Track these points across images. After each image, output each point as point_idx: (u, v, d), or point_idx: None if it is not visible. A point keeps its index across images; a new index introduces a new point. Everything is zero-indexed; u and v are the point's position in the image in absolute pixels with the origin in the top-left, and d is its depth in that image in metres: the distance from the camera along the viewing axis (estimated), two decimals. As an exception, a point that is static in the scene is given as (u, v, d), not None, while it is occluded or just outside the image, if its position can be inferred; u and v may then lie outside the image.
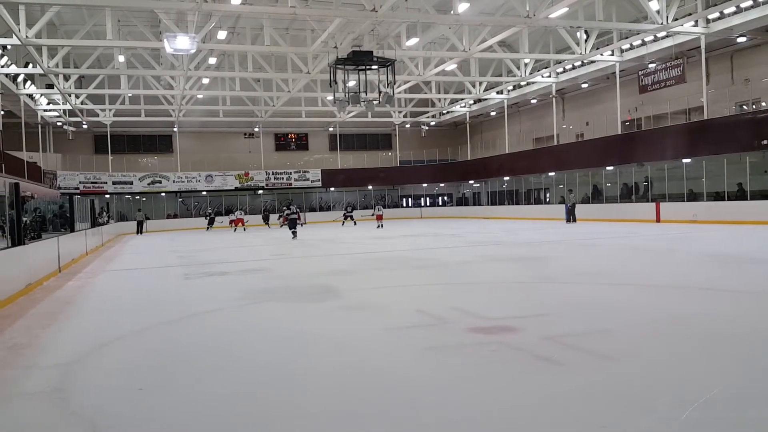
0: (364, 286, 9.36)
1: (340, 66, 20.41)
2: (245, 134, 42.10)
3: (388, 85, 21.32)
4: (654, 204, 24.49)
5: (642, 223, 23.27)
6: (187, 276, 11.78)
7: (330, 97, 27.15)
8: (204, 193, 39.50)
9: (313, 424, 3.56)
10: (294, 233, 22.71)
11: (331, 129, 42.94)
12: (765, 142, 19.92)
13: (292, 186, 40.64)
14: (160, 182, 38.00)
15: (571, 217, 26.61)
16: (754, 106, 22.59)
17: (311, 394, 4.13)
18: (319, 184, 41.06)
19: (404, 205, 44.65)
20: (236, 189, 39.57)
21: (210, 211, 35.55)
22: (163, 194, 38.82)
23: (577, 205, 27.20)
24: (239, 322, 6.98)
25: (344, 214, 32.93)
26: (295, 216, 23.43)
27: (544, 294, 8.19)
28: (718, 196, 22.38)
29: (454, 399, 3.90)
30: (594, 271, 10.29)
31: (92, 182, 36.36)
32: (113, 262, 15.98)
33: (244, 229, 31.21)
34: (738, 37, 22.52)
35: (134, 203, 39.17)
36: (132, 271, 13.85)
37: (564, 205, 27.81)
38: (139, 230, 32.76)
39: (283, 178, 40.32)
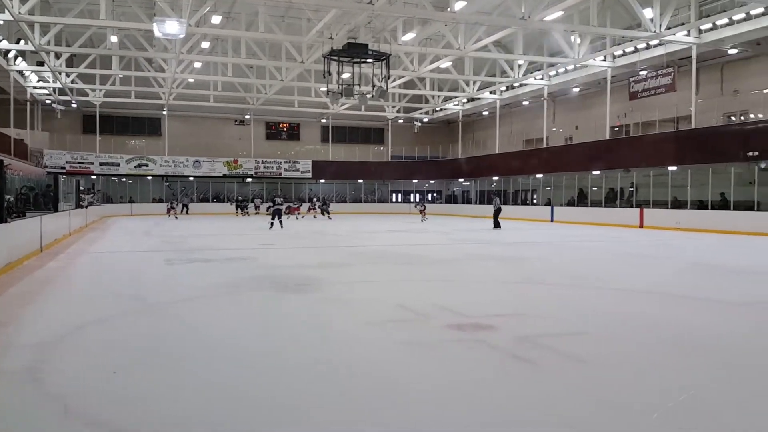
0: (348, 279, 9.39)
1: (334, 57, 20.35)
2: (236, 121, 41.90)
3: (382, 79, 21.30)
4: (638, 210, 24.71)
5: (625, 228, 23.46)
6: (170, 261, 11.75)
7: (323, 88, 27.09)
8: (191, 178, 39.32)
9: (288, 412, 3.60)
10: (271, 224, 22.29)
11: (323, 120, 42.84)
12: (751, 153, 20.15)
13: (282, 176, 40.54)
14: (146, 165, 37.77)
15: (496, 221, 23.91)
16: (742, 118, 22.83)
17: (288, 382, 4.16)
18: (309, 175, 40.98)
19: (394, 200, 44.68)
20: (224, 176, 39.43)
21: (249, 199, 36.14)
22: (149, 178, 38.59)
23: (501, 209, 24.92)
24: (218, 309, 6.99)
25: (320, 207, 32.47)
26: (281, 208, 23.06)
27: (524, 294, 8.28)
28: (701, 205, 22.61)
29: (426, 394, 3.95)
30: (575, 274, 10.39)
31: (79, 162, 36.05)
32: (96, 244, 15.89)
33: (297, 218, 31.00)
34: (729, 48, 22.72)
35: (120, 185, 38.95)
36: (115, 253, 13.79)
37: (551, 207, 27.86)
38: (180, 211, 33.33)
39: (272, 168, 40.21)
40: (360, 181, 43.05)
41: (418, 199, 39.27)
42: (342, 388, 4.08)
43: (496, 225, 23.73)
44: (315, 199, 35.02)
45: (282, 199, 24.31)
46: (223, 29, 24.44)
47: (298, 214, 31.74)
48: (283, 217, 23.32)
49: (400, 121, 43.39)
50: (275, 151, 41.90)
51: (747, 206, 20.87)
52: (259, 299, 7.64)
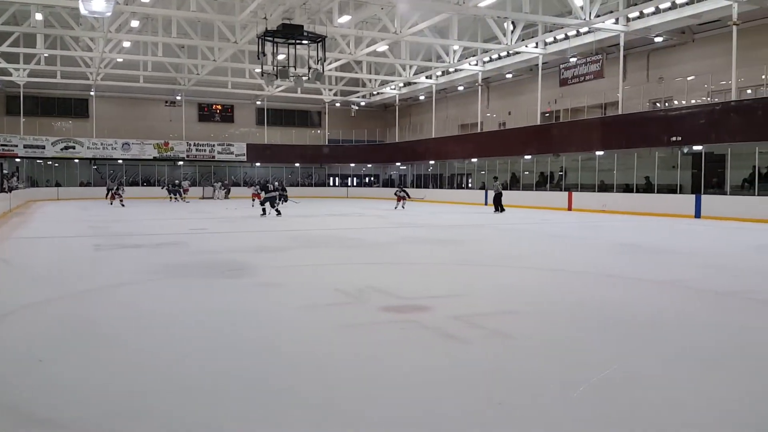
0: (283, 264, 9.34)
1: (269, 38, 20.01)
2: (166, 102, 40.63)
3: (318, 61, 21.12)
4: (567, 193, 25.56)
5: (555, 211, 24.25)
6: (99, 247, 11.36)
7: (258, 70, 26.61)
8: (120, 161, 37.96)
9: (219, 399, 3.57)
10: (263, 210, 20.06)
11: (258, 102, 42.12)
12: (674, 138, 21.15)
13: (215, 159, 39.70)
14: (74, 148, 36.23)
15: (499, 206, 23.46)
16: (666, 104, 23.89)
17: (218, 366, 4.13)
18: (244, 158, 40.29)
19: (331, 184, 44.53)
20: (155, 159, 38.28)
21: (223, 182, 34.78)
22: (76, 161, 37.02)
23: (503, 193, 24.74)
24: (149, 296, 6.83)
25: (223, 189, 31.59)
26: (275, 194, 20.40)
27: (459, 275, 8.47)
28: (627, 188, 23.62)
29: (359, 374, 4.01)
30: (507, 255, 10.70)
31: (2, 145, 34.38)
32: (21, 229, 15.17)
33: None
34: (655, 37, 23.69)
35: (45, 169, 37.21)
36: (41, 239, 13.20)
37: (485, 191, 28.38)
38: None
39: (205, 150, 39.28)
40: (297, 164, 42.64)
41: (398, 184, 36.97)
42: (272, 370, 4.08)
43: (499, 209, 23.14)
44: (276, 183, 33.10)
45: (278, 184, 22.07)
46: (153, 8, 23.56)
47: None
48: (274, 205, 20.28)
49: (337, 104, 43.17)
50: (208, 134, 40.92)
51: (670, 189, 21.94)
52: (190, 285, 7.49)
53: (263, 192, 20.56)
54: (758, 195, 18.80)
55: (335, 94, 41.56)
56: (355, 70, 35.04)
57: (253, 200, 27.15)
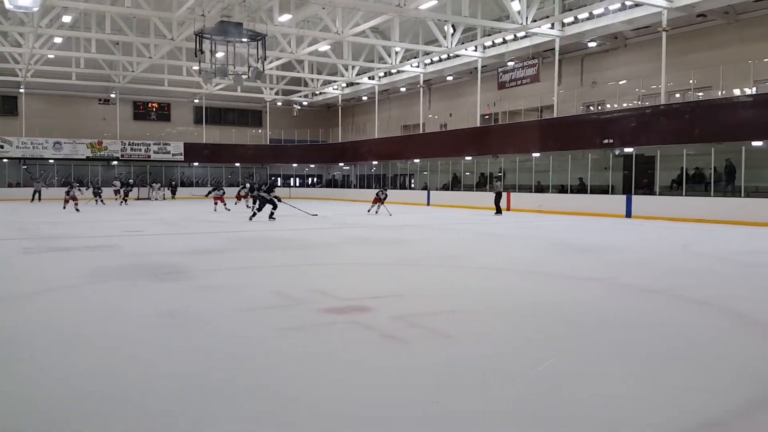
0: (221, 266, 9.17)
1: (207, 36, 19.66)
2: (100, 100, 39.31)
3: (258, 60, 20.87)
4: (506, 194, 26.10)
5: (495, 211, 24.68)
6: (28, 250, 10.88)
7: (196, 67, 26.06)
8: (51, 161, 36.44)
9: (152, 405, 3.48)
10: (254, 213, 18.58)
11: (196, 101, 41.25)
12: (606, 141, 21.93)
13: (151, 159, 38.60)
14: (2, 147, 34.57)
15: (498, 208, 22.33)
16: (599, 108, 24.74)
17: (151, 376, 4.02)
18: (182, 158, 39.34)
19: (272, 184, 43.97)
20: (88, 159, 36.90)
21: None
22: (5, 160, 35.34)
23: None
24: (80, 300, 6.58)
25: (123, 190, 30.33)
26: (265, 196, 18.59)
27: (401, 275, 8.53)
28: (562, 189, 24.35)
29: (297, 377, 3.98)
30: (448, 255, 10.86)
31: (-76, 144, 32.37)
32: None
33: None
34: (589, 42, 24.50)
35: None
36: (-40, 243, 12.53)
37: (428, 191, 28.64)
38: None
39: (140, 150, 38.14)
40: (237, 164, 41.97)
41: (381, 185, 32.23)
42: (207, 376, 4.01)
43: (498, 211, 22.29)
44: (247, 184, 29.11)
45: (267, 185, 19.91)
46: (86, 3, 22.70)
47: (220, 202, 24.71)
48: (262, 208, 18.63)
49: (279, 103, 42.74)
50: (144, 133, 39.72)
51: (603, 190, 22.74)
52: (123, 289, 7.26)
53: (258, 192, 18.99)
54: (686, 195, 19.71)
55: (277, 93, 41.13)
56: (296, 69, 34.78)
57: (238, 200, 26.45)
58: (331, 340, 4.94)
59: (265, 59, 21.31)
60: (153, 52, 28.82)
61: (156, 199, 35.23)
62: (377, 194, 22.54)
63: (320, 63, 33.84)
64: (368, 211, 22.16)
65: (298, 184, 44.45)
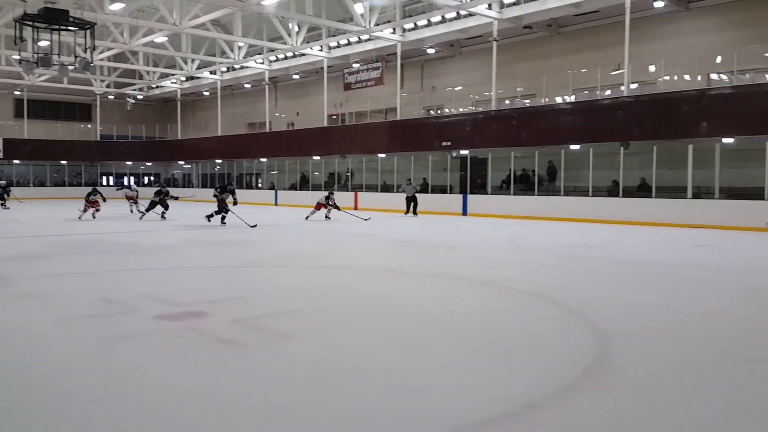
0: (45, 273, 8.34)
1: (28, 22, 17.92)
2: None
3: (86, 50, 19.41)
4: (353, 193, 26.55)
5: (343, 210, 24.95)
6: None
7: (16, 56, 23.67)
8: None
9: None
10: (223, 217, 17.27)
11: (17, 92, 37.27)
12: (445, 143, 23.07)
13: (-38, 155, 34.25)
14: None
15: (410, 209, 21.85)
16: (438, 112, 25.96)
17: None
18: (0, 155, 35.31)
19: (104, 183, 40.89)
20: None
21: None
22: None
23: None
24: None
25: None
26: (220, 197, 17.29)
27: (243, 278, 8.32)
28: (406, 189, 25.20)
29: (119, 390, 3.72)
30: (290, 254, 10.79)
31: None
32: None
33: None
34: (428, 48, 25.60)
35: None
36: None
37: (275, 192, 28.26)
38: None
39: (-52, 145, 33.69)
40: (63, 162, 38.51)
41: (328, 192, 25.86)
42: (19, 392, 3.61)
43: (411, 212, 21.74)
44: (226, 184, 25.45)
45: (232, 187, 18.40)
46: None
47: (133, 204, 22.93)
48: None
49: (111, 97, 39.84)
50: (-46, 126, 35.18)
51: (442, 189, 23.91)
52: None
53: (221, 194, 17.33)
54: (513, 194, 21.29)
55: (108, 86, 38.24)
56: (130, 60, 32.65)
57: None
58: (164, 348, 4.67)
59: (94, 49, 19.80)
60: (-40, 36, 25.57)
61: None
62: (324, 199, 19.40)
63: (156, 55, 32.07)
64: (306, 218, 19.29)
65: (132, 185, 41.63)
